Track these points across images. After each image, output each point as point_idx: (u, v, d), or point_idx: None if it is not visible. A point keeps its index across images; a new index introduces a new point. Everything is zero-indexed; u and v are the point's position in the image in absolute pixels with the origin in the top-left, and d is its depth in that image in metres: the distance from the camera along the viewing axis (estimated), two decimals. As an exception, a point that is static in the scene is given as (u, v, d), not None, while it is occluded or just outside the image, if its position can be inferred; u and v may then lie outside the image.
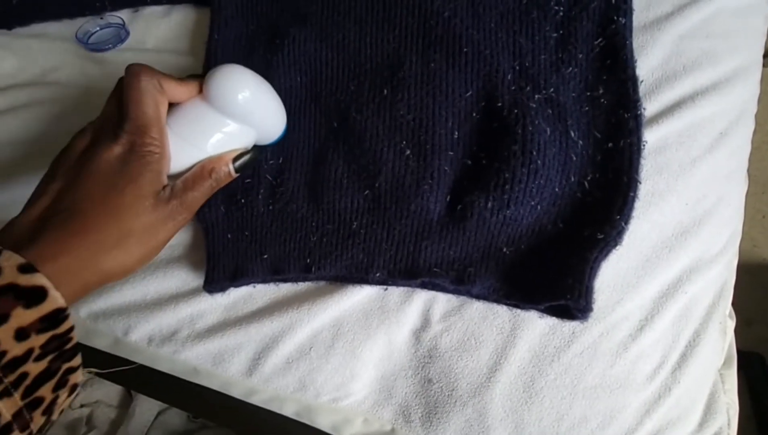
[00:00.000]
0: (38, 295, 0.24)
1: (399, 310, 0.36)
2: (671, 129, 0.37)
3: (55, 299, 0.24)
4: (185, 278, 0.39)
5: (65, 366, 0.25)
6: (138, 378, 0.41)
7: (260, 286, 0.38)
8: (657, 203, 0.36)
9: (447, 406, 0.35)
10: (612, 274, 0.34)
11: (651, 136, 0.36)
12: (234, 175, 0.32)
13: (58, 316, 0.24)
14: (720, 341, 0.37)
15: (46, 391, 0.25)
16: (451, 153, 0.35)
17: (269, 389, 0.37)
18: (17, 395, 0.23)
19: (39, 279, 0.24)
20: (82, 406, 0.77)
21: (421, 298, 0.36)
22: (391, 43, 0.38)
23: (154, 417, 0.77)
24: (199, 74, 0.32)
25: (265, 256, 0.35)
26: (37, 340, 0.24)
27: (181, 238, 0.40)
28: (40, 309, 0.24)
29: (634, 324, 0.34)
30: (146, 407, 0.76)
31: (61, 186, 0.29)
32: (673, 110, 0.37)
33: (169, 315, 0.38)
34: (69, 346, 0.25)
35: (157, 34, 0.46)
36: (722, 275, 0.38)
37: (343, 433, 0.37)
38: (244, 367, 0.37)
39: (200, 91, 0.32)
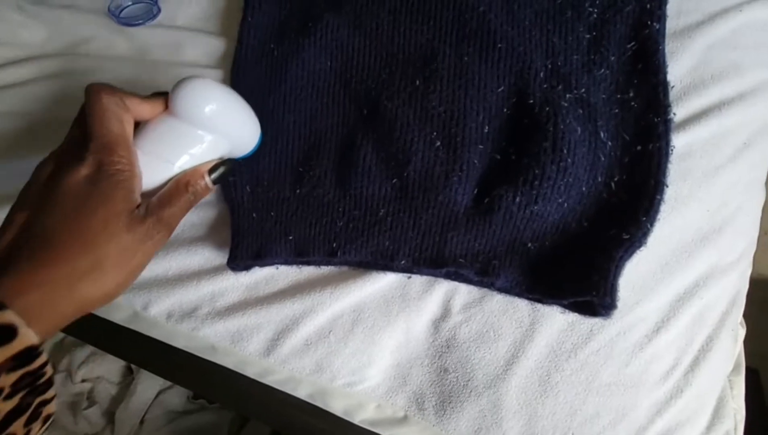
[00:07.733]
0: (8, 333, 0.23)
1: (420, 299, 0.36)
2: (697, 136, 0.37)
3: (27, 337, 0.23)
4: (208, 256, 0.39)
5: (38, 400, 0.25)
6: (144, 354, 0.42)
7: (283, 268, 0.38)
8: (679, 209, 0.36)
9: (462, 396, 0.35)
10: (632, 276, 0.35)
11: (677, 143, 0.36)
12: (211, 187, 0.31)
13: (30, 353, 0.24)
14: (731, 348, 0.38)
15: (17, 426, 0.24)
16: (481, 146, 0.35)
17: (285, 370, 0.38)
18: None
19: (8, 316, 0.23)
20: (83, 380, 0.77)
21: (442, 288, 0.36)
22: (424, 34, 0.38)
23: (155, 396, 0.77)
24: (162, 92, 0.31)
25: (290, 238, 0.35)
26: (7, 380, 0.23)
27: (205, 218, 0.40)
28: (10, 348, 0.23)
29: (651, 325, 0.35)
30: (147, 385, 0.76)
31: (27, 215, 0.27)
32: (699, 118, 0.38)
33: (190, 291, 0.38)
34: (42, 380, 0.24)
35: (188, 12, 0.46)
36: (736, 283, 0.38)
37: (356, 417, 0.38)
38: (263, 346, 0.37)
39: (165, 108, 0.30)
